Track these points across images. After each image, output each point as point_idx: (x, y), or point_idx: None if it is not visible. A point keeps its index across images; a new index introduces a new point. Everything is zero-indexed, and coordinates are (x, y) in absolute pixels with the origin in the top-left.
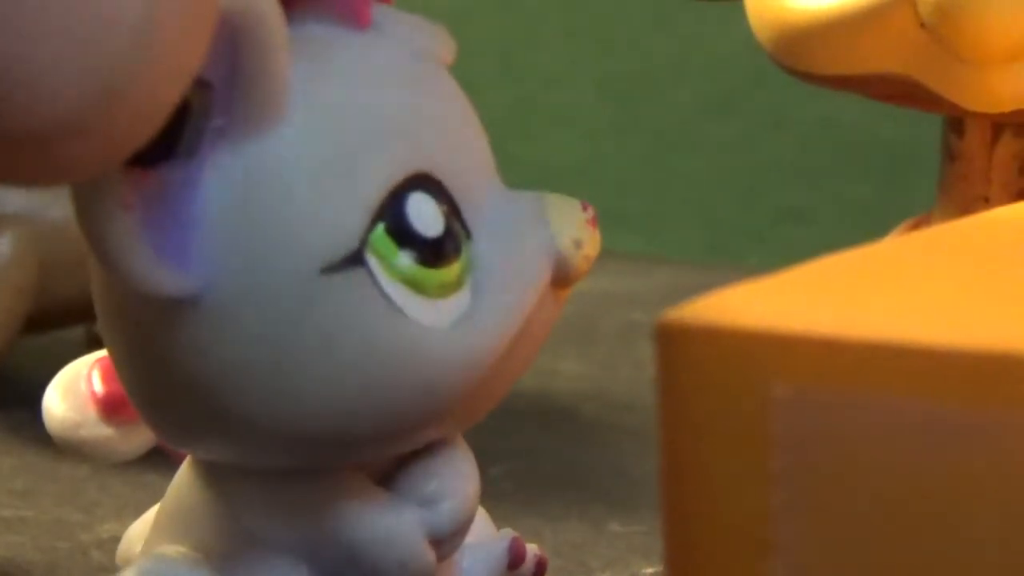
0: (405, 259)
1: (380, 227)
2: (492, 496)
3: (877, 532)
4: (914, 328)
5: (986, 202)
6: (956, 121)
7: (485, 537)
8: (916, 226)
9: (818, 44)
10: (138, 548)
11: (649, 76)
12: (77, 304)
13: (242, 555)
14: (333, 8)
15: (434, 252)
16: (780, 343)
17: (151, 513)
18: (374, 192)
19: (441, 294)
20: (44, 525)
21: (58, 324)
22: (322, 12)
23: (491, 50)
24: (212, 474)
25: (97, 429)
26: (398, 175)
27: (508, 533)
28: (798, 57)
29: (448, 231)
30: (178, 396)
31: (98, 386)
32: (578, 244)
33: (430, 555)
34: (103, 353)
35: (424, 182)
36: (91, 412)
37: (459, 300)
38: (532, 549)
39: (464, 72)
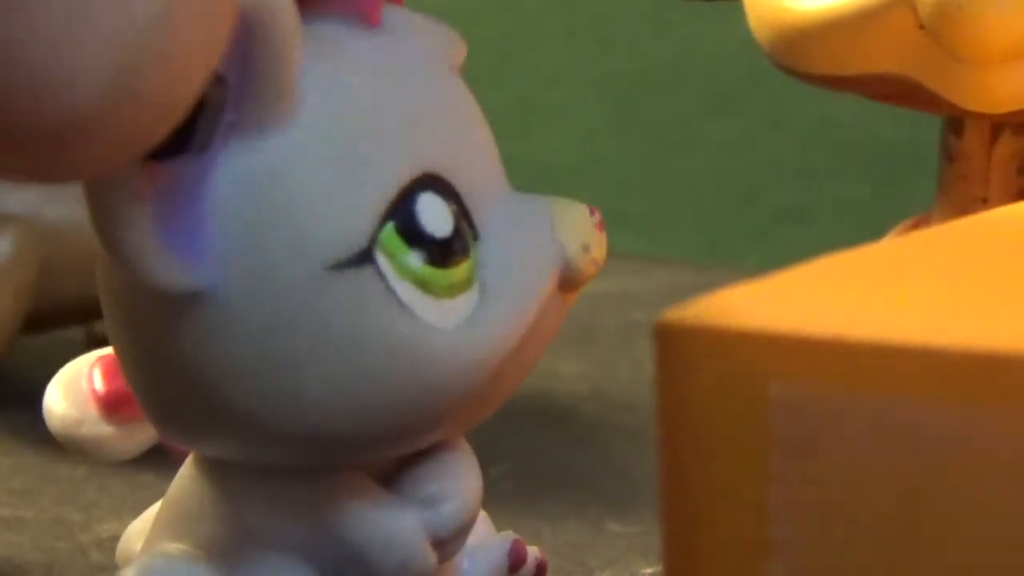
0: (414, 259)
1: (390, 226)
2: (492, 496)
3: (876, 532)
4: (913, 328)
5: (985, 202)
6: (955, 121)
7: (485, 539)
8: (915, 226)
9: (817, 44)
10: (138, 546)
11: (649, 76)
12: (77, 304)
13: (243, 554)
14: (345, 7)
15: (443, 252)
16: (779, 343)
17: (151, 512)
18: (384, 191)
19: (449, 294)
20: (43, 525)
21: (58, 324)
22: (334, 11)
23: (491, 50)
24: (214, 472)
25: (98, 427)
26: (408, 175)
27: (509, 535)
28: (797, 57)
29: (457, 232)
30: (183, 391)
31: (99, 384)
32: (586, 248)
33: (431, 556)
34: (104, 351)
35: (434, 182)
36: (92, 410)
37: (467, 301)
38: (533, 552)
39: (464, 71)
